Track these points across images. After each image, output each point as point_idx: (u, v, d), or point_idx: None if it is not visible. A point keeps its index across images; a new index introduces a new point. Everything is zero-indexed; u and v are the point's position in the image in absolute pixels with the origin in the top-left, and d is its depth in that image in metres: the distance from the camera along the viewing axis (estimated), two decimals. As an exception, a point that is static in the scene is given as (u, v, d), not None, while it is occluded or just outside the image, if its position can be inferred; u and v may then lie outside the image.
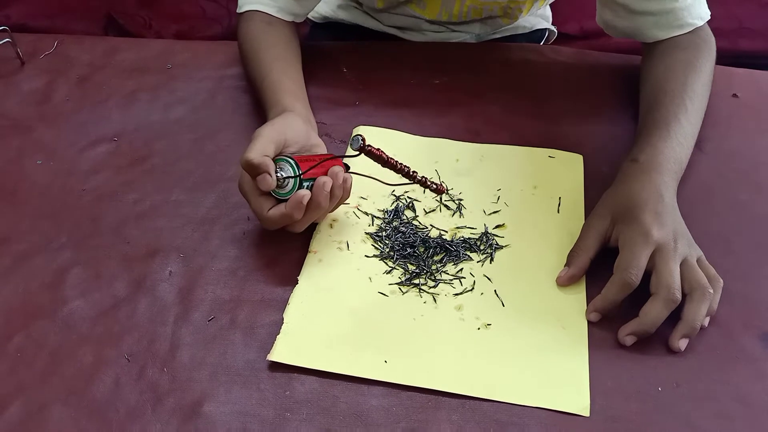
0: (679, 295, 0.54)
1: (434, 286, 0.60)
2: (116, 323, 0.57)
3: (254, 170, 0.57)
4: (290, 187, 0.58)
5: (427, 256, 0.62)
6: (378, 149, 0.59)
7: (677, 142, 0.65)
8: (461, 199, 0.67)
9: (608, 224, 0.60)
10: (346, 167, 0.67)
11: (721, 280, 0.57)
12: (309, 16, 0.95)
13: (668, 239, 0.56)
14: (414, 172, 0.60)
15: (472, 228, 0.65)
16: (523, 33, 0.97)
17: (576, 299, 0.58)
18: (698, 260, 0.58)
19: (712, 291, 0.55)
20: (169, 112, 0.78)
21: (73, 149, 0.73)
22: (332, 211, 0.63)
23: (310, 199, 0.58)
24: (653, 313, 0.54)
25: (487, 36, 0.94)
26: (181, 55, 0.85)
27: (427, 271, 0.61)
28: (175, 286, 0.60)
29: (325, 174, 0.60)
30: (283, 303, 0.58)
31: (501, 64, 0.84)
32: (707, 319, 0.56)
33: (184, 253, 0.62)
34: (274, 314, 0.57)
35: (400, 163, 0.60)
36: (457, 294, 0.59)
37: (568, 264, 0.60)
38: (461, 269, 0.61)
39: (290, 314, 0.57)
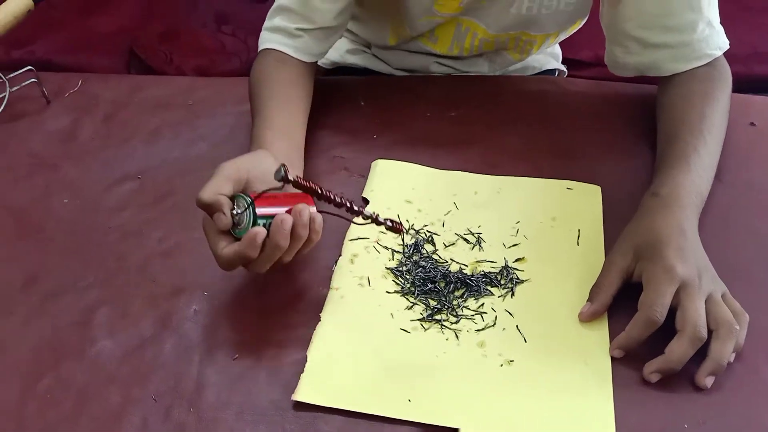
0: (705, 333, 0.54)
1: (456, 322, 0.60)
2: (143, 363, 0.58)
3: (208, 209, 0.56)
4: (245, 226, 0.55)
5: (447, 292, 0.62)
6: (308, 181, 0.54)
7: (697, 175, 0.65)
8: (480, 233, 0.68)
9: (630, 260, 0.60)
10: (365, 201, 0.68)
11: (747, 315, 0.57)
12: (320, 62, 0.96)
13: (693, 276, 0.56)
14: (360, 207, 0.57)
15: (492, 262, 0.65)
16: (533, 74, 0.97)
17: (599, 335, 0.58)
18: (723, 295, 0.57)
19: (738, 327, 0.55)
20: (191, 148, 0.79)
21: (99, 187, 0.75)
22: (304, 252, 0.58)
23: (269, 238, 0.54)
24: (679, 351, 0.54)
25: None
26: (202, 92, 0.87)
27: (449, 307, 0.61)
28: (200, 325, 0.61)
29: (289, 212, 0.56)
30: (307, 341, 0.59)
31: (517, 96, 0.85)
32: (733, 355, 0.56)
33: (209, 291, 0.63)
34: (298, 352, 0.58)
35: (338, 195, 0.56)
36: (479, 330, 0.59)
37: (590, 300, 0.60)
38: (482, 304, 0.62)
39: (314, 352, 0.57)
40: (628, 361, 0.57)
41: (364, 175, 0.75)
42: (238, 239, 0.57)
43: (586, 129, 0.80)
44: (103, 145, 0.80)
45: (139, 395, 0.56)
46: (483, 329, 0.59)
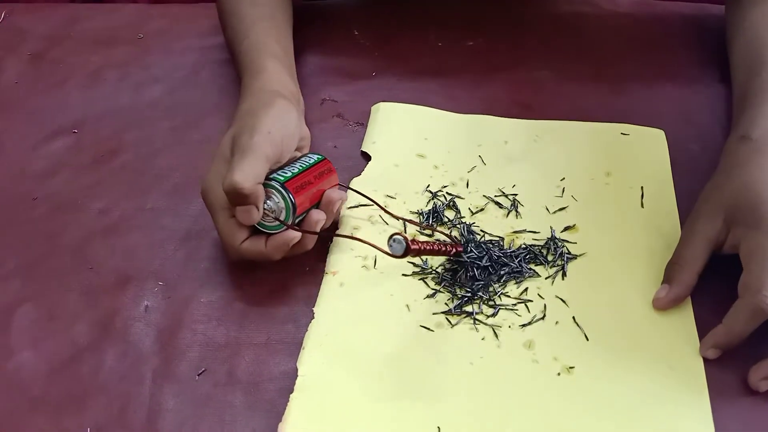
0: None
1: (493, 315, 0.46)
2: (77, 382, 0.43)
3: (240, 199, 0.44)
4: (277, 225, 0.46)
5: (480, 273, 0.47)
6: (424, 242, 0.45)
7: None
8: (516, 194, 0.53)
9: (720, 226, 0.45)
10: (366, 157, 0.54)
11: None
12: None
13: None
14: (451, 246, 0.47)
15: (534, 232, 0.50)
16: None
17: (683, 328, 0.44)
18: None
19: None
20: (142, 93, 0.63)
21: (23, 146, 0.58)
22: None
23: (298, 241, 0.46)
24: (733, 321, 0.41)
25: None
26: (156, 22, 0.70)
27: (483, 294, 0.46)
28: (154, 327, 0.46)
29: (318, 200, 0.48)
30: (297, 345, 0.44)
31: (548, 19, 0.69)
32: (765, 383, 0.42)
33: (165, 280, 0.48)
34: (286, 362, 0.44)
35: (449, 244, 0.47)
36: (524, 325, 0.45)
37: (667, 280, 0.46)
38: (525, 289, 0.47)
39: (306, 362, 0.43)
40: (725, 362, 0.43)
41: (363, 122, 0.59)
42: (258, 231, 0.46)
43: (637, 58, 0.65)
44: (29, 92, 0.63)
45: (72, 426, 0.41)
46: (530, 324, 0.45)
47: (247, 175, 0.43)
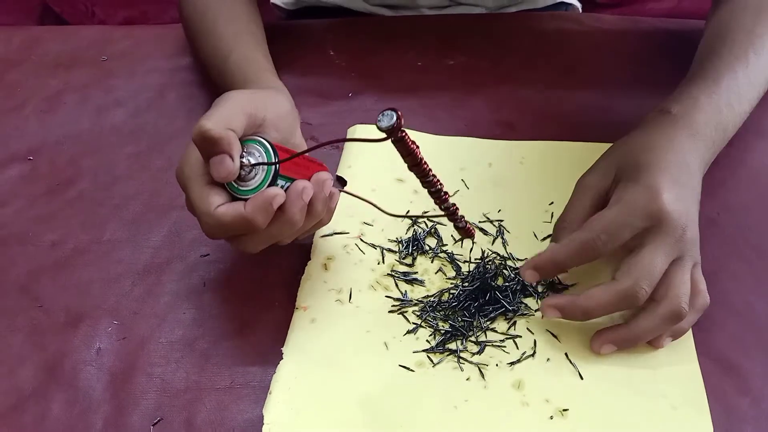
0: (686, 308, 0.40)
1: (479, 352, 0.42)
2: (20, 431, 0.39)
3: (210, 146, 0.39)
4: (258, 182, 0.40)
5: (461, 306, 0.44)
6: (414, 142, 0.38)
7: (726, 103, 0.48)
8: (501, 220, 0.49)
9: (610, 182, 0.44)
10: (342, 183, 0.50)
11: (708, 301, 0.42)
12: (280, 2, 0.77)
13: (678, 219, 0.41)
14: (446, 193, 0.41)
15: (522, 260, 0.47)
16: (544, 7, 0.78)
17: (685, 363, 0.41)
18: (694, 266, 0.42)
19: (686, 309, 0.40)
20: (104, 118, 0.59)
21: (-27, 174, 0.55)
22: (300, 237, 0.44)
23: (282, 206, 0.40)
24: (644, 325, 0.40)
25: (500, 11, 0.75)
26: (120, 44, 0.66)
27: (468, 330, 0.43)
28: (106, 372, 0.42)
29: (308, 179, 0.42)
30: (264, 390, 0.40)
31: (532, 36, 0.66)
32: (668, 340, 0.41)
33: (120, 318, 0.44)
34: (251, 408, 0.40)
35: (433, 174, 0.40)
36: (512, 363, 0.41)
37: (554, 239, 0.44)
38: (514, 323, 0.43)
39: (273, 409, 0.39)
40: (733, 402, 0.39)
41: (338, 145, 0.56)
42: (237, 198, 0.40)
43: (625, 75, 0.62)
44: (-17, 117, 0.60)
45: (10, 487, 0.37)
46: (519, 361, 0.41)
47: (218, 119, 0.39)
